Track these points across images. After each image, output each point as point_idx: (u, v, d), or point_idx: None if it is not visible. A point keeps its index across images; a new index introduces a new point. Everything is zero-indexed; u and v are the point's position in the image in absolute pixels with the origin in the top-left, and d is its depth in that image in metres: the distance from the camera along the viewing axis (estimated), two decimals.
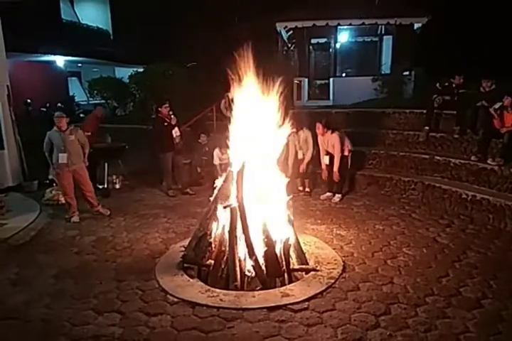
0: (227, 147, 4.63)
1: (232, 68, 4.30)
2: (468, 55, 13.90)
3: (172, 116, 7.59)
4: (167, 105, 7.56)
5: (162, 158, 7.60)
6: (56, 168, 6.25)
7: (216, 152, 7.73)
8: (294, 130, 7.25)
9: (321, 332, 3.33)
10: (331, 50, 14.17)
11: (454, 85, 7.94)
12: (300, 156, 7.44)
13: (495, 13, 14.62)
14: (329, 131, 7.04)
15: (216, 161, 7.73)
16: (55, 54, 16.99)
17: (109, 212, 6.56)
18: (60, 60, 18.60)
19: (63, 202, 7.01)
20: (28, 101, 16.31)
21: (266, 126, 4.39)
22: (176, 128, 7.63)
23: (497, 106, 6.59)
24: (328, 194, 7.37)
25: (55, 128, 6.20)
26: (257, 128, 4.36)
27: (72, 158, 6.21)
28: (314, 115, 7.78)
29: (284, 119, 4.46)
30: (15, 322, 3.61)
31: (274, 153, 4.53)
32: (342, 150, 7.01)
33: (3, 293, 4.13)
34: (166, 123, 7.51)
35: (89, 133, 7.55)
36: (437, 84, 8.20)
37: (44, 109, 16.73)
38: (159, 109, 7.60)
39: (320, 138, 7.18)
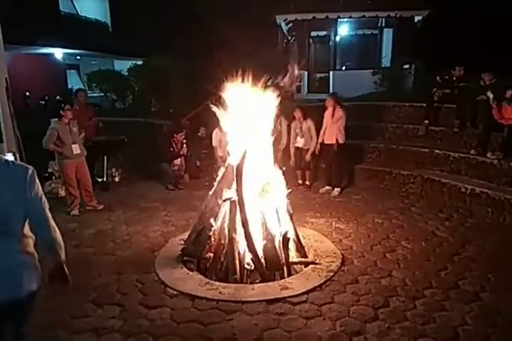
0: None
1: (230, 61, 4.29)
2: (469, 48, 13.83)
3: (184, 145, 7.83)
4: (183, 134, 7.80)
5: (162, 167, 7.77)
6: (63, 160, 6.18)
7: (215, 132, 7.65)
8: (300, 114, 7.26)
9: (319, 324, 3.35)
10: (330, 43, 14.09)
11: (454, 78, 7.90)
12: (300, 145, 7.41)
13: (496, 6, 14.52)
14: (338, 106, 7.05)
15: (215, 143, 7.66)
16: (53, 46, 16.87)
17: (102, 206, 6.57)
18: (58, 53, 18.48)
19: (62, 195, 7.04)
20: (27, 94, 16.24)
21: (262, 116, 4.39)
22: (179, 160, 7.84)
23: (491, 95, 6.59)
24: (328, 187, 7.38)
25: (56, 120, 6.16)
26: (254, 120, 4.35)
27: (81, 149, 6.30)
28: (314, 108, 7.73)
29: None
30: None
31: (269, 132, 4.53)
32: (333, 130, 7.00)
33: None
34: (172, 149, 7.72)
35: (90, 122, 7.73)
36: (437, 78, 8.16)
37: (43, 102, 16.67)
38: (175, 135, 7.79)
39: (326, 112, 7.17)
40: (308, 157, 7.38)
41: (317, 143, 7.28)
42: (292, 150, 7.46)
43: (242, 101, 4.35)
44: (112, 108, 13.45)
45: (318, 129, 7.28)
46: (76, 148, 6.20)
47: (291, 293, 3.78)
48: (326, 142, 7.15)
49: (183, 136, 7.76)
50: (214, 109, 4.50)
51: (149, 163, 8.25)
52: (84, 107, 8.02)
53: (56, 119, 6.18)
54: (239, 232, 4.11)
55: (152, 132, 8.94)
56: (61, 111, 6.13)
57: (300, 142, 7.38)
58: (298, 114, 7.31)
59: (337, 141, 7.01)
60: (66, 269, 2.49)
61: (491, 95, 6.71)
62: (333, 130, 7.01)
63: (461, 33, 15.10)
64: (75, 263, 4.60)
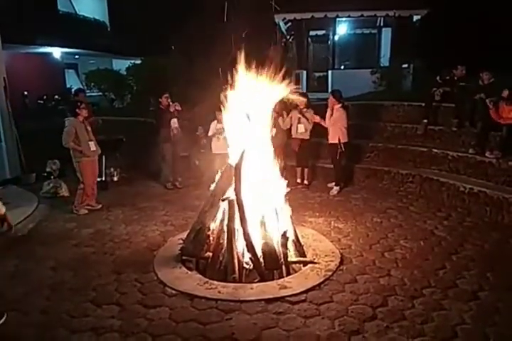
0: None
1: (230, 59, 4.30)
2: (468, 47, 13.84)
3: (171, 103, 7.57)
4: (167, 95, 7.57)
5: (161, 149, 7.64)
6: (82, 158, 6.18)
7: (214, 123, 7.64)
8: (303, 100, 7.24)
9: (318, 323, 3.35)
10: (329, 42, 14.10)
11: (455, 78, 7.89)
12: (301, 130, 7.40)
13: (494, 5, 14.53)
14: (339, 105, 7.02)
15: (211, 132, 7.65)
16: (51, 45, 16.84)
17: (100, 206, 6.58)
18: (56, 52, 18.44)
19: (61, 194, 7.05)
20: (25, 93, 16.20)
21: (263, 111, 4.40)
22: (175, 119, 7.62)
23: (494, 99, 6.59)
24: (333, 183, 7.38)
25: (72, 118, 6.17)
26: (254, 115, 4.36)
27: (96, 146, 6.36)
28: (313, 107, 7.72)
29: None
30: (14, 314, 3.62)
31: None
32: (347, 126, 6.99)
33: (3, 285, 4.14)
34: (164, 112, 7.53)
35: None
36: (437, 78, 8.16)
37: (41, 102, 16.64)
38: (159, 99, 7.60)
39: (328, 111, 7.16)
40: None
41: (309, 140, 7.37)
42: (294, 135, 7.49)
43: (244, 98, 4.36)
44: (110, 107, 13.45)
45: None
46: (92, 145, 6.28)
47: (290, 292, 3.78)
48: (329, 142, 7.17)
49: (168, 98, 7.59)
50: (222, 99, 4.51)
51: (149, 145, 8.18)
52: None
53: (72, 118, 6.18)
54: (238, 232, 4.12)
55: (151, 131, 8.90)
56: (77, 110, 6.18)
57: (300, 128, 7.39)
58: (301, 100, 7.32)
59: (339, 140, 7.01)
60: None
61: (484, 97, 6.74)
62: (335, 130, 7.00)
63: (460, 32, 15.11)
64: (74, 262, 4.64)
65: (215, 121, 7.58)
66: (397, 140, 8.32)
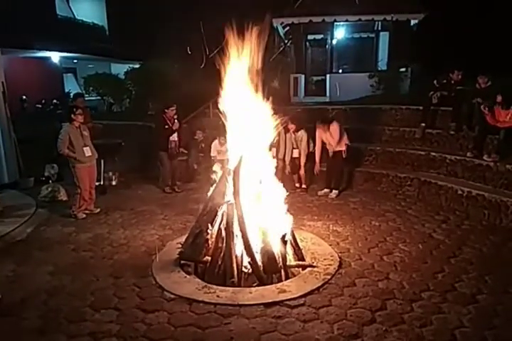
0: (226, 138, 4.64)
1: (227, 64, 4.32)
2: (465, 51, 13.90)
3: (176, 121, 7.55)
4: (174, 108, 7.48)
5: (160, 156, 7.64)
6: (77, 164, 6.17)
7: (215, 143, 7.71)
8: (293, 126, 7.29)
9: (317, 327, 3.35)
10: (327, 46, 14.13)
11: (452, 82, 7.92)
12: (295, 155, 7.49)
13: (492, 9, 14.61)
14: (327, 125, 7.06)
15: (213, 153, 7.72)
16: (50, 50, 16.88)
17: (99, 210, 6.57)
18: (55, 56, 18.47)
19: (59, 198, 7.04)
20: (24, 97, 16.22)
21: (260, 120, 4.40)
22: (175, 134, 7.63)
23: (480, 101, 6.75)
24: (326, 190, 7.39)
25: (67, 124, 6.17)
26: (251, 123, 4.37)
27: (92, 152, 6.34)
28: (311, 111, 7.75)
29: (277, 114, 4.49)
30: (12, 319, 3.61)
31: (267, 144, 4.57)
32: (340, 140, 7.03)
33: (0, 290, 4.12)
34: (166, 126, 7.49)
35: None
36: (435, 82, 8.19)
37: (39, 106, 16.66)
38: (165, 110, 7.49)
39: (319, 131, 7.21)
40: (301, 171, 7.49)
41: (307, 156, 7.42)
42: (288, 160, 7.50)
43: (239, 107, 4.38)
44: (108, 111, 13.46)
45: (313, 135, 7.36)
46: (87, 151, 6.25)
47: (289, 296, 3.77)
48: (334, 149, 7.20)
49: (174, 111, 7.51)
50: (219, 116, 4.53)
51: (148, 152, 8.22)
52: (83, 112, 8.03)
53: (67, 123, 6.18)
54: (236, 235, 4.11)
55: (149, 135, 8.93)
56: (72, 115, 6.16)
57: (296, 153, 7.49)
58: (291, 126, 7.35)
59: (346, 146, 7.12)
60: None
61: (480, 101, 6.77)
62: (341, 141, 7.07)
63: (457, 36, 15.18)
64: (72, 267, 4.62)
65: (216, 141, 7.65)
66: (396, 143, 8.34)
